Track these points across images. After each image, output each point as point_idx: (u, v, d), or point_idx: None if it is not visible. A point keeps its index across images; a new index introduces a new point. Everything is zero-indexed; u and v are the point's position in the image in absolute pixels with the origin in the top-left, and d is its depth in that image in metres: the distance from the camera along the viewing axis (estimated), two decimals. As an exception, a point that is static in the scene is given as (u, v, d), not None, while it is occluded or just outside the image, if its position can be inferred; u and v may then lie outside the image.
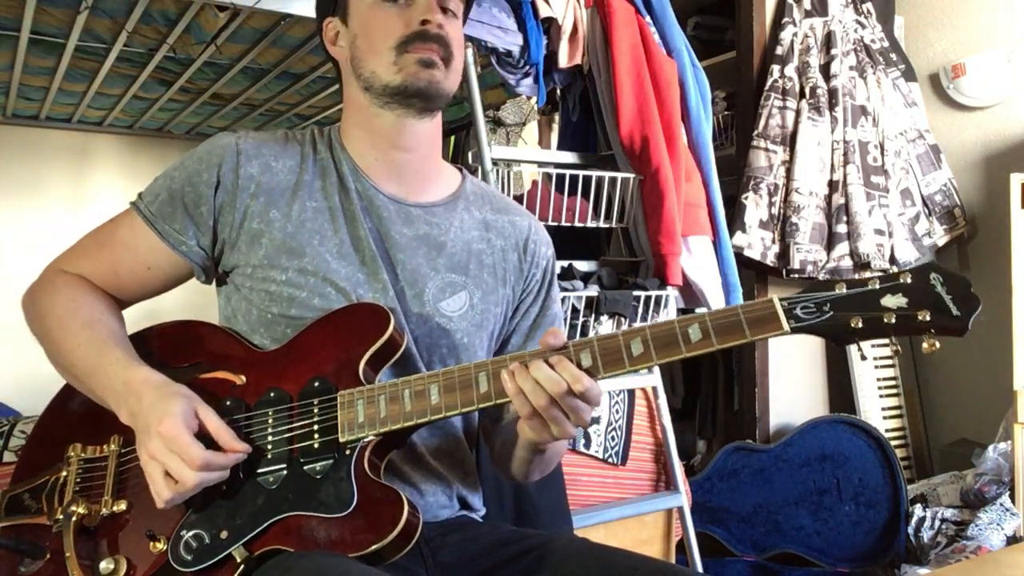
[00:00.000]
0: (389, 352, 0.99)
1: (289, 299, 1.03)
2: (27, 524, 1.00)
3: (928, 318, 0.82)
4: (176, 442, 0.89)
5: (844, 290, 0.85)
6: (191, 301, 1.56)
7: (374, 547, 0.87)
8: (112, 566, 0.92)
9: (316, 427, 0.95)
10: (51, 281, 1.09)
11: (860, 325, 0.83)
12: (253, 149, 1.08)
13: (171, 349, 1.06)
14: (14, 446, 1.50)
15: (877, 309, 0.83)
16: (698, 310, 2.34)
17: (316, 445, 0.94)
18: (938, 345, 0.83)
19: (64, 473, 1.00)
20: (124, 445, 0.99)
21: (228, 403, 0.97)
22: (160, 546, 0.92)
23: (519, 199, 2.13)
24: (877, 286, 0.84)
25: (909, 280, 0.84)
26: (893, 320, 0.83)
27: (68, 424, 1.05)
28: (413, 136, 1.11)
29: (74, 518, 0.94)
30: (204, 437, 0.91)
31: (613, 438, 2.17)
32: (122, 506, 0.96)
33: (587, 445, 2.12)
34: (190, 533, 0.92)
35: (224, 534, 0.91)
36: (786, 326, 0.85)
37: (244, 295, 1.06)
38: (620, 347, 0.89)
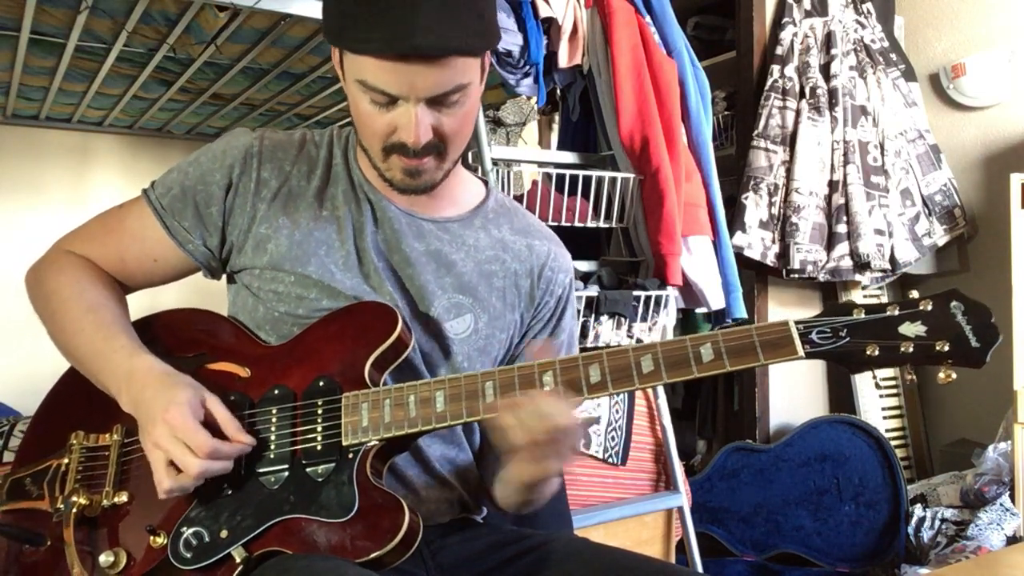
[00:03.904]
0: (396, 353, 0.98)
1: (298, 299, 1.02)
2: (27, 509, 0.99)
3: (947, 348, 0.80)
4: (182, 430, 0.88)
5: (863, 315, 0.82)
6: (192, 295, 1.56)
7: (374, 554, 0.86)
8: (112, 558, 0.92)
9: (319, 429, 0.94)
10: (56, 261, 1.08)
11: (876, 353, 0.81)
12: (269, 152, 1.06)
13: (176, 337, 1.06)
14: (14, 446, 1.50)
15: (895, 337, 0.81)
16: (698, 310, 2.35)
17: (319, 447, 0.93)
18: (954, 376, 0.80)
19: (66, 460, 0.99)
20: (126, 435, 0.99)
21: (232, 398, 0.97)
22: (160, 541, 0.91)
23: (519, 199, 2.13)
24: (896, 312, 0.82)
25: (930, 307, 0.81)
26: (911, 349, 0.80)
27: (71, 410, 1.05)
28: None
29: (75, 508, 0.94)
30: (210, 427, 0.91)
31: (613, 438, 2.17)
32: (123, 497, 0.96)
33: (587, 445, 2.12)
34: (190, 530, 0.91)
35: (224, 533, 0.90)
36: (801, 351, 0.83)
37: (252, 292, 1.05)
38: (630, 364, 0.88)
